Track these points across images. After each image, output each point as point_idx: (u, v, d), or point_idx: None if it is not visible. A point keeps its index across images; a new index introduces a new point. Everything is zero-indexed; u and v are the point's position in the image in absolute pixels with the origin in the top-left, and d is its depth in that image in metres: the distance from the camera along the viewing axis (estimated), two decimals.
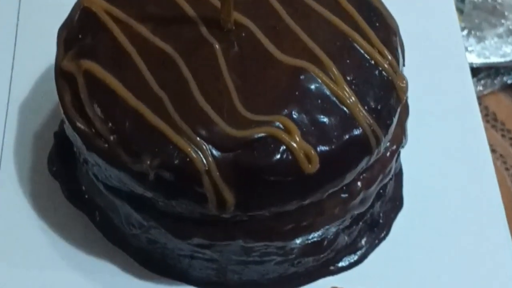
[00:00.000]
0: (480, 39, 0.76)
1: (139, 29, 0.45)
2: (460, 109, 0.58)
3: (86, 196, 0.51)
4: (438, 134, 0.56)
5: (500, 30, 0.76)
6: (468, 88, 0.59)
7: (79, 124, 0.44)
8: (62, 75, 0.46)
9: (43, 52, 0.54)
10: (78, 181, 0.52)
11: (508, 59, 0.76)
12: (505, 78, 0.76)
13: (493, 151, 0.70)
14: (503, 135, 0.76)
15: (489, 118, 0.75)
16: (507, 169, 0.74)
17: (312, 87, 0.44)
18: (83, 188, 0.51)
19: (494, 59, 0.76)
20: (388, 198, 0.52)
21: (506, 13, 0.77)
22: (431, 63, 0.59)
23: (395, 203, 0.53)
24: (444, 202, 0.54)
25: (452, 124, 0.57)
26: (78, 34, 0.46)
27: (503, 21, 0.77)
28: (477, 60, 0.76)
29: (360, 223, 0.50)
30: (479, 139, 0.57)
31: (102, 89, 0.44)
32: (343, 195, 0.46)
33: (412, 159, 0.55)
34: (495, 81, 0.76)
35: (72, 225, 0.52)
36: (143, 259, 0.50)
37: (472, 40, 0.76)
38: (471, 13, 0.77)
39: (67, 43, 0.47)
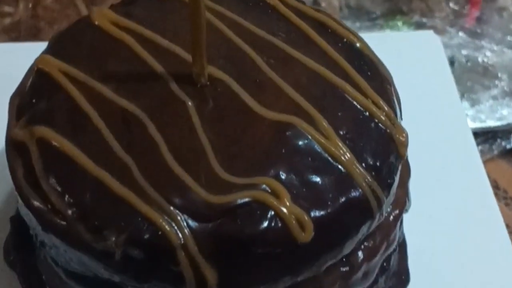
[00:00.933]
0: (474, 102, 0.71)
1: (100, 89, 0.40)
2: (465, 172, 0.52)
3: None
4: (442, 199, 0.51)
5: (495, 91, 0.72)
6: (472, 149, 0.54)
7: (32, 200, 0.38)
8: (13, 146, 0.40)
9: None
10: (38, 270, 0.45)
11: (505, 122, 0.71)
12: (503, 143, 0.71)
13: None
14: (507, 204, 0.70)
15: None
16: None
17: (301, 143, 0.38)
18: (43, 277, 0.45)
19: (491, 123, 0.71)
20: (393, 272, 0.46)
21: (499, 74, 0.73)
22: (430, 125, 0.54)
23: (401, 277, 0.47)
24: (455, 276, 0.48)
25: (458, 188, 0.51)
26: (31, 99, 0.41)
27: (496, 82, 0.72)
28: (472, 125, 0.70)
29: None
30: (489, 204, 0.51)
31: (59, 158, 0.38)
32: (343, 269, 0.40)
33: (415, 227, 0.49)
34: (493, 147, 0.71)
35: None
36: None
37: (465, 103, 0.71)
38: (461, 76, 0.73)
39: (20, 110, 0.41)
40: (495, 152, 0.71)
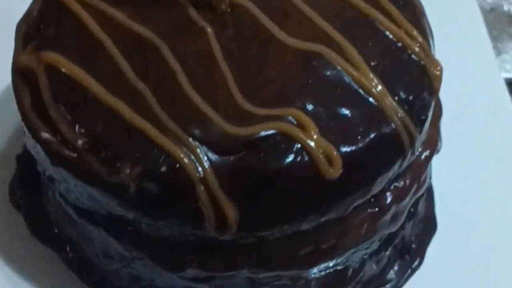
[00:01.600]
0: (500, 51, 0.68)
1: (113, 14, 0.37)
2: (495, 116, 0.49)
3: (55, 230, 0.43)
4: (471, 143, 0.48)
5: None
6: (502, 93, 0.51)
7: (40, 131, 0.36)
8: (20, 73, 0.37)
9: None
10: (45, 211, 0.43)
11: None
12: None
13: None
14: None
15: None
16: None
17: (329, 74, 0.36)
18: (51, 219, 0.43)
19: None
20: (420, 218, 0.44)
21: None
22: (459, 66, 0.51)
23: (428, 224, 0.44)
24: (483, 224, 0.45)
25: (488, 133, 0.48)
26: (39, 25, 0.38)
27: None
28: None
29: (389, 248, 0.41)
30: None
31: (69, 86, 0.36)
32: (371, 210, 0.37)
33: (442, 174, 0.46)
34: None
35: (40, 265, 0.43)
36: None
37: None
38: (486, 25, 0.70)
39: (27, 37, 0.38)
40: None
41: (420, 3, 0.40)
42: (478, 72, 0.52)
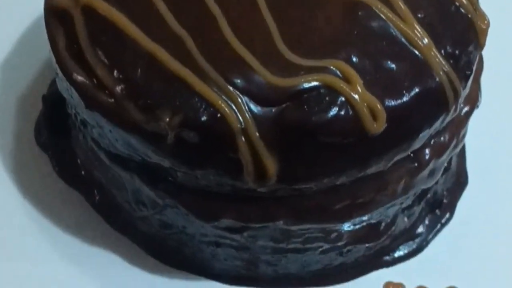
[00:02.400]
0: None
1: None
2: None
3: (83, 172, 0.42)
4: (504, 98, 0.47)
5: None
6: None
7: (76, 75, 0.35)
8: (54, 13, 0.36)
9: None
10: (73, 153, 0.42)
11: None
12: None
13: None
14: None
15: None
16: None
17: (374, 25, 0.35)
18: (79, 161, 0.42)
19: None
20: (451, 173, 0.43)
21: None
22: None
23: (459, 179, 0.44)
24: None
25: None
26: None
27: None
28: None
29: (422, 202, 0.41)
30: None
31: (106, 29, 0.35)
32: (409, 165, 0.37)
33: (474, 128, 0.46)
34: None
35: (65, 207, 0.43)
36: (154, 248, 0.41)
37: None
38: None
39: None
40: None
41: None
42: None
